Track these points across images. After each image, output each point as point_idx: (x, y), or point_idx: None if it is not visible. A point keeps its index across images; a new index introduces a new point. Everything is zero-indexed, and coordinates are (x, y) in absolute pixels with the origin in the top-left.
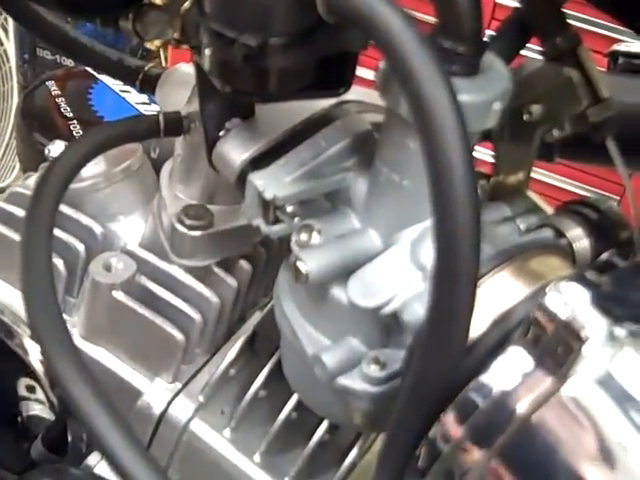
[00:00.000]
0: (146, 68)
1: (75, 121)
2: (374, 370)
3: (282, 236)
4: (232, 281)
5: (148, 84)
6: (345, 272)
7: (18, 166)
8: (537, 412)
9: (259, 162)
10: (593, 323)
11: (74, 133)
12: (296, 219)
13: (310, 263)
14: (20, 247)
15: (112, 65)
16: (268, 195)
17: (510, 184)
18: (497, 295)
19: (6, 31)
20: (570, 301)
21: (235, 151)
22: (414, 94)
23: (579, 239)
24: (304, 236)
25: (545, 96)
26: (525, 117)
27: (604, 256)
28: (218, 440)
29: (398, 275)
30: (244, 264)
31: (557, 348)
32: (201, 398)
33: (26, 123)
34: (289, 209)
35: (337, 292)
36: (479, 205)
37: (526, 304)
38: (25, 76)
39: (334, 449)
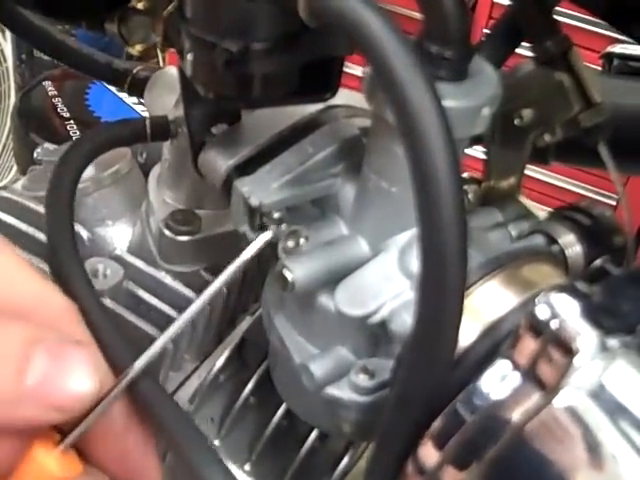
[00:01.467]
0: (134, 71)
1: (72, 121)
2: (362, 380)
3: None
4: (223, 289)
5: (136, 87)
6: (333, 280)
7: (16, 167)
8: (528, 424)
9: (245, 168)
10: (584, 335)
11: (71, 133)
12: (283, 226)
13: (296, 271)
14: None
15: (100, 68)
16: (254, 201)
17: (502, 189)
18: (486, 304)
19: (3, 31)
20: (560, 312)
21: (220, 157)
22: (396, 99)
23: (571, 245)
24: (291, 243)
25: (536, 101)
26: (516, 122)
27: (597, 263)
28: None
29: (386, 283)
30: None
31: (547, 360)
32: (189, 406)
33: (22, 123)
34: (276, 215)
35: (324, 300)
36: (464, 212)
37: (516, 314)
38: (22, 76)
39: (326, 457)
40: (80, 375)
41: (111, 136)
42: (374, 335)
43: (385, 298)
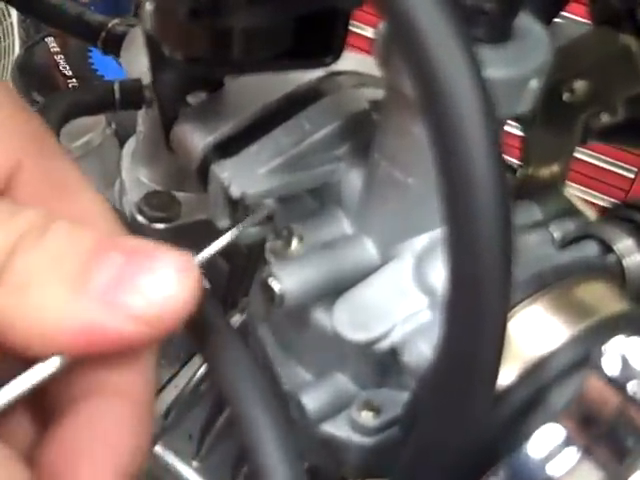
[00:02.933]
0: (110, 25)
1: (75, 80)
2: (366, 417)
3: (254, 242)
4: (205, 282)
5: (112, 44)
6: (331, 291)
7: None
8: None
9: (226, 148)
10: None
11: None
12: (272, 221)
13: (286, 280)
14: None
15: (69, 20)
16: (235, 191)
17: (542, 179)
18: (529, 336)
19: None
20: (638, 367)
21: (196, 133)
22: (420, 64)
23: (630, 253)
24: (281, 243)
25: (593, 70)
26: (565, 97)
27: None
28: (185, 470)
29: (398, 300)
30: (220, 262)
31: (618, 433)
32: (165, 421)
33: (24, 81)
34: (263, 209)
35: (320, 317)
36: (511, 214)
37: (567, 352)
38: (27, 31)
39: None
40: (165, 279)
41: (71, 103)
42: (382, 362)
43: (396, 319)
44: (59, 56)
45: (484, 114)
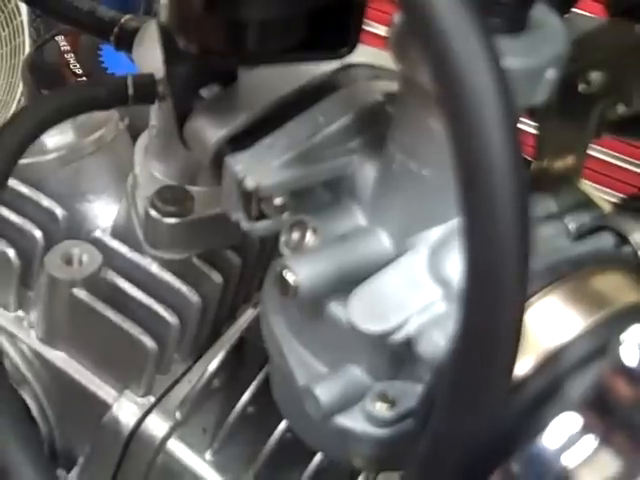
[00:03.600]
0: (122, 21)
1: (85, 78)
2: (380, 409)
3: (267, 236)
4: (217, 276)
5: (124, 40)
6: (346, 283)
7: None
8: None
9: (240, 141)
10: None
11: None
12: (286, 214)
13: (301, 272)
14: None
15: (81, 17)
16: (250, 184)
17: (557, 171)
18: (545, 326)
19: None
20: None
21: (210, 126)
22: (437, 54)
23: None
24: (295, 236)
25: (608, 61)
26: (581, 87)
27: None
28: (198, 463)
29: (413, 291)
30: (232, 256)
31: (636, 421)
32: (178, 414)
33: (34, 80)
34: (277, 201)
35: (335, 309)
36: (529, 206)
37: (583, 342)
38: (38, 30)
39: (335, 475)
40: None
41: (83, 97)
42: (396, 354)
43: (411, 311)
44: (69, 55)
45: (504, 104)
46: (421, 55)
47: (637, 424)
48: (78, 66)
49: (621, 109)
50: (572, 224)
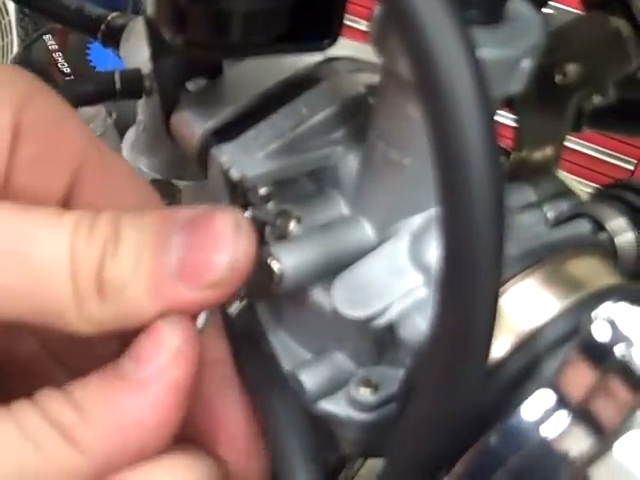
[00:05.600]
0: (109, 18)
1: (73, 77)
2: (364, 393)
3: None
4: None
5: (111, 37)
6: (329, 271)
7: None
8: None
9: (225, 133)
10: None
11: None
12: (270, 204)
13: (285, 260)
14: None
15: (69, 14)
16: (235, 174)
17: (536, 161)
18: (521, 309)
19: None
20: (627, 332)
21: (196, 119)
22: (415, 46)
23: (622, 231)
24: (280, 225)
25: (584, 53)
26: (558, 79)
27: None
28: None
29: (395, 278)
30: None
31: (607, 395)
32: None
33: None
34: (262, 191)
35: (319, 296)
36: (504, 191)
37: (559, 323)
38: (26, 30)
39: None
40: (224, 242)
41: (71, 93)
42: (379, 340)
43: (393, 296)
44: (57, 54)
45: (478, 93)
46: (398, 46)
47: (606, 400)
48: (66, 65)
49: (597, 100)
50: (550, 212)
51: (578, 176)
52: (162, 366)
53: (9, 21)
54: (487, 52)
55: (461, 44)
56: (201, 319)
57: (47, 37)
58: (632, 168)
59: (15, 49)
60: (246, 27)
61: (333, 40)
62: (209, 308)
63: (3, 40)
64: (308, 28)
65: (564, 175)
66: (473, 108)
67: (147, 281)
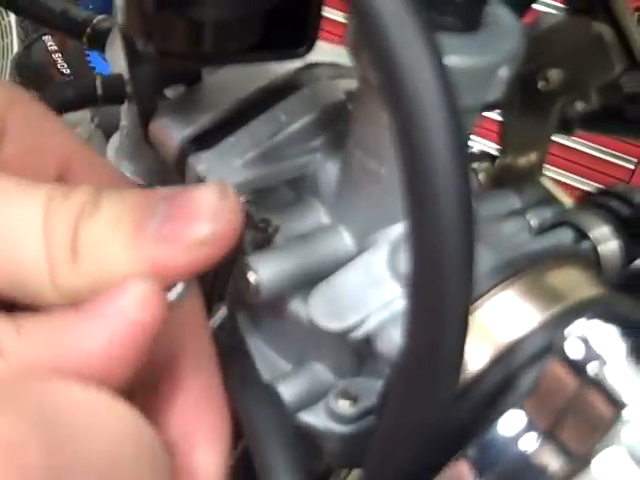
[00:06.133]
0: (95, 21)
1: (72, 78)
2: (343, 406)
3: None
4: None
5: (97, 40)
6: (308, 281)
7: None
8: None
9: (203, 140)
10: (634, 383)
11: None
12: (249, 212)
13: (262, 271)
14: None
15: (54, 17)
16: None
17: (520, 167)
18: (500, 321)
19: None
20: (599, 350)
21: (174, 126)
22: (378, 51)
23: (606, 240)
24: (258, 234)
25: (567, 59)
26: (540, 85)
27: (638, 263)
28: None
29: (373, 289)
30: None
31: (579, 415)
32: None
33: (22, 79)
34: (240, 200)
35: (297, 306)
36: (471, 200)
37: (538, 336)
38: (25, 30)
39: None
40: (209, 204)
41: (53, 99)
42: (358, 351)
43: (370, 308)
44: (57, 54)
45: (443, 100)
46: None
47: (579, 418)
48: (65, 66)
49: (580, 105)
50: (534, 220)
51: (579, 175)
52: (123, 307)
53: (9, 22)
54: (463, 60)
55: (422, 50)
56: (176, 291)
57: (47, 38)
58: (632, 167)
59: (15, 49)
60: (217, 36)
61: (309, 47)
62: (190, 274)
63: (3, 40)
64: (283, 35)
65: (548, 182)
66: (438, 114)
67: (125, 238)
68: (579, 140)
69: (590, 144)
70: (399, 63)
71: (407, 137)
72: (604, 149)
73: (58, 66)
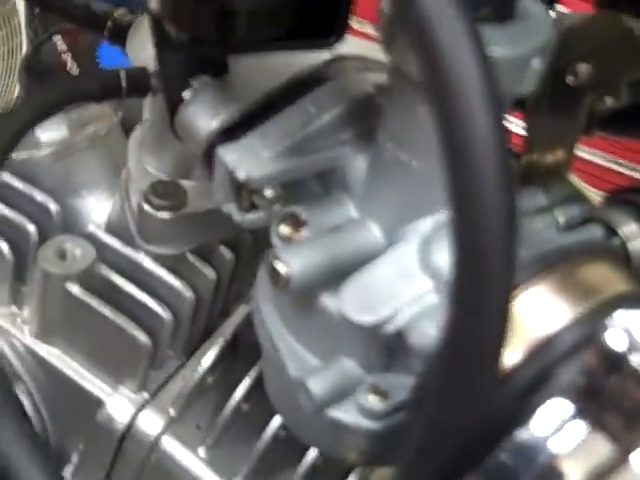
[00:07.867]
0: (116, 15)
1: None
2: (373, 401)
3: (260, 227)
4: (210, 272)
5: (118, 34)
6: (337, 276)
7: None
8: None
9: (231, 132)
10: None
11: None
12: (277, 206)
13: (292, 264)
14: None
15: (76, 11)
16: (241, 175)
17: (547, 165)
18: (532, 317)
19: None
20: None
21: (201, 118)
22: (423, 44)
23: (635, 237)
24: (287, 228)
25: (596, 53)
26: (569, 80)
27: None
28: (192, 460)
29: (404, 283)
30: (225, 252)
31: (624, 404)
32: (172, 411)
33: (32, 80)
34: (268, 193)
35: (327, 301)
36: (515, 195)
37: (571, 331)
38: (35, 31)
39: (329, 472)
40: None
41: (75, 90)
42: (388, 345)
43: (402, 302)
44: (67, 54)
45: (488, 90)
46: (407, 45)
47: (625, 406)
48: (75, 66)
49: (609, 101)
50: (561, 217)
51: (585, 184)
52: None
53: (18, 22)
54: (498, 50)
55: (470, 43)
56: None
57: (56, 38)
58: None
59: (24, 50)
60: (250, 24)
61: (339, 37)
62: None
63: (12, 41)
64: (314, 25)
65: (575, 179)
66: (482, 105)
67: None
68: (589, 150)
69: (597, 152)
70: (444, 56)
71: (452, 130)
72: (611, 158)
73: (67, 66)
